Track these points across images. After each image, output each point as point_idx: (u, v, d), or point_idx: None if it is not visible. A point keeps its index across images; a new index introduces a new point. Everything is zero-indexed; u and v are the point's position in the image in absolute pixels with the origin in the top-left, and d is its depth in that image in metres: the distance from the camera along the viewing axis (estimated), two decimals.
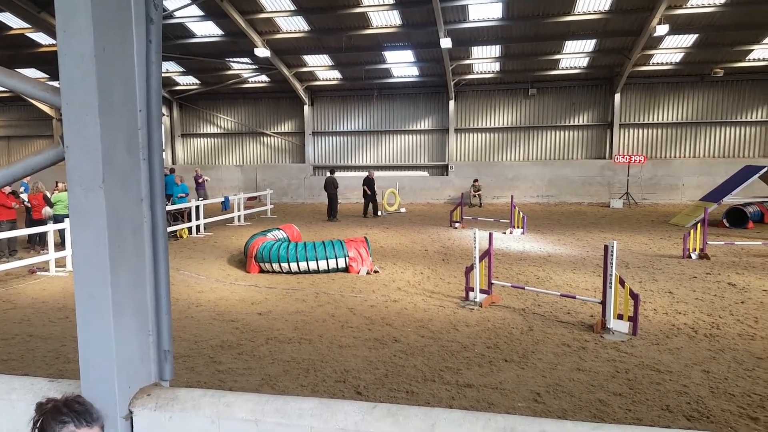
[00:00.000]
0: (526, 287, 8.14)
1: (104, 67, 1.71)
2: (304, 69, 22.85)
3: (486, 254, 7.78)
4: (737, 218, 15.37)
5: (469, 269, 7.90)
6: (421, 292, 8.63)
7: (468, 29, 18.55)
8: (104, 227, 1.73)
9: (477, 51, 20.75)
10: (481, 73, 22.63)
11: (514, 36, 19.23)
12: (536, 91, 23.05)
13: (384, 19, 18.38)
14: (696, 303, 7.90)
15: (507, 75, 22.52)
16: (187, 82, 25.39)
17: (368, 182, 18.52)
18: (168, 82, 25.31)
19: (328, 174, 18.89)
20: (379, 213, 19.28)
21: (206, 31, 19.90)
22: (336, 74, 23.41)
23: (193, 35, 20.13)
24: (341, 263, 9.96)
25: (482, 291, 7.78)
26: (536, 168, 23.21)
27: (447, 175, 24.02)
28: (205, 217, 16.00)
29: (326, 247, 10.00)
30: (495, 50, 20.61)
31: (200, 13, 18.43)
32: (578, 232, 14.93)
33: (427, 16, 17.49)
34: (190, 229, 15.14)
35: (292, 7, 17.86)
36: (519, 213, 14.98)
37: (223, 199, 17.88)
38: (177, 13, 18.19)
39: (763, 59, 20.06)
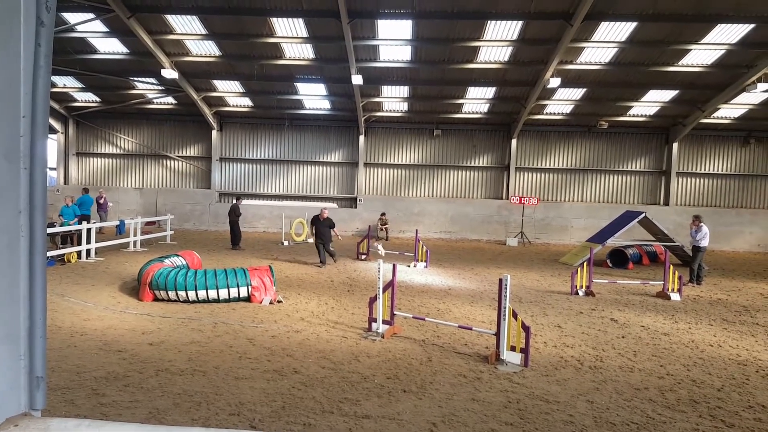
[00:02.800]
0: (426, 318, 8.33)
1: None
2: (214, 94, 22.34)
3: (389, 285, 7.89)
4: (619, 259, 16.81)
5: (373, 300, 7.96)
6: (325, 323, 8.55)
7: (378, 68, 19.16)
8: None
9: (387, 90, 21.44)
10: (391, 111, 23.36)
11: (421, 78, 20.11)
12: (441, 132, 24.13)
13: (297, 51, 18.53)
14: (582, 337, 8.46)
15: (414, 115, 23.41)
16: (86, 98, 23.87)
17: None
18: (65, 98, 23.64)
19: (234, 201, 18.45)
20: (284, 243, 19.05)
21: (110, 48, 18.92)
22: (247, 101, 23.11)
23: (95, 51, 19.05)
24: (243, 292, 9.64)
25: (385, 322, 7.86)
26: (440, 205, 24.08)
27: (355, 207, 24.25)
28: (98, 241, 14.90)
29: (228, 276, 9.64)
30: (404, 90, 21.41)
31: (104, 29, 17.54)
32: (477, 267, 15.58)
33: (340, 53, 17.89)
34: (79, 254, 14.01)
35: (203, 31, 17.53)
36: (423, 247, 15.40)
37: (118, 223, 16.77)
38: (79, 27, 17.18)
39: (642, 115, 22.45)
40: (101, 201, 19.49)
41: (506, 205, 23.41)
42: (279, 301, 9.81)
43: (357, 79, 18.36)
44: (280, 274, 12.69)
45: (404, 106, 22.99)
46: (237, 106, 23.64)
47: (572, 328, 8.95)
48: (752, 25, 15.45)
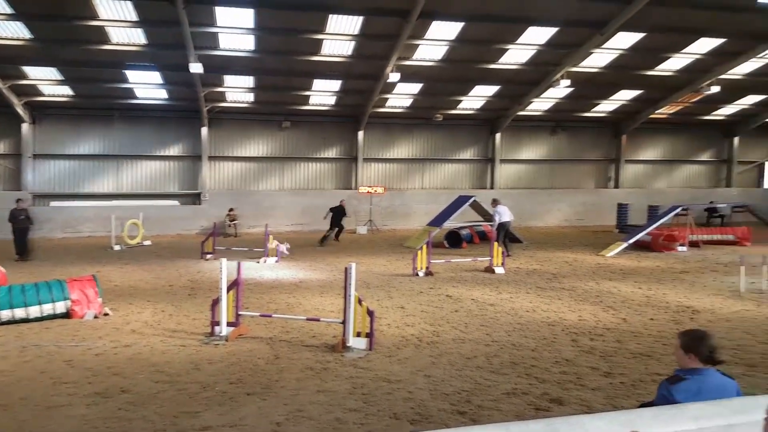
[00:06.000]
0: (274, 315, 8.32)
1: None
2: (24, 82, 19.66)
3: (234, 285, 7.74)
4: (455, 240, 18.28)
5: (216, 302, 7.73)
6: (161, 333, 8.03)
7: (220, 57, 18.39)
8: None
9: (230, 80, 20.68)
10: (236, 101, 22.59)
11: (266, 68, 19.73)
12: (290, 124, 23.96)
13: (126, 36, 17.04)
14: (422, 315, 9.11)
15: (261, 106, 22.92)
16: None
17: (337, 210, 19.43)
18: None
19: (17, 203, 15.49)
20: (115, 247, 17.51)
21: None
22: (67, 90, 20.71)
23: None
24: (60, 308, 8.58)
25: (230, 324, 7.66)
26: (291, 197, 23.97)
27: (200, 204, 23.13)
28: None
29: (40, 290, 8.47)
30: (248, 81, 20.83)
31: None
32: (328, 257, 15.86)
33: (176, 39, 16.78)
34: None
35: (8, 10, 15.30)
36: (273, 241, 15.25)
37: None
38: None
39: (470, 108, 24.44)
40: None
41: (355, 195, 24.03)
42: (106, 314, 8.95)
43: (196, 68, 17.43)
44: (108, 283, 11.59)
45: (250, 97, 22.37)
46: (55, 96, 21.06)
47: (413, 308, 9.60)
48: (557, 29, 17.60)
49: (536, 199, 25.82)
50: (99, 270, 12.99)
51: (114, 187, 22.87)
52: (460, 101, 23.57)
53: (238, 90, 21.59)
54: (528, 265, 14.55)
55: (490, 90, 22.50)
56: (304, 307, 9.67)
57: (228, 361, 6.73)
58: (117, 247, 17.58)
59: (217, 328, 7.65)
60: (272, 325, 8.31)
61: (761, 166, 29.61)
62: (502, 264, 13.39)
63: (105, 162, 22.75)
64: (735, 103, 25.20)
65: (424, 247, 13.18)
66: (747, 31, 18.20)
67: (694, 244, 17.99)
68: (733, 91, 23.17)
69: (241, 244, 17.84)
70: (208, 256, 15.48)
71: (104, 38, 17.01)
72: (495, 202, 16.10)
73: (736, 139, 28.25)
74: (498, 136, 25.80)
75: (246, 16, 16.24)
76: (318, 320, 7.97)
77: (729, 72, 20.88)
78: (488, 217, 18.71)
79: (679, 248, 17.30)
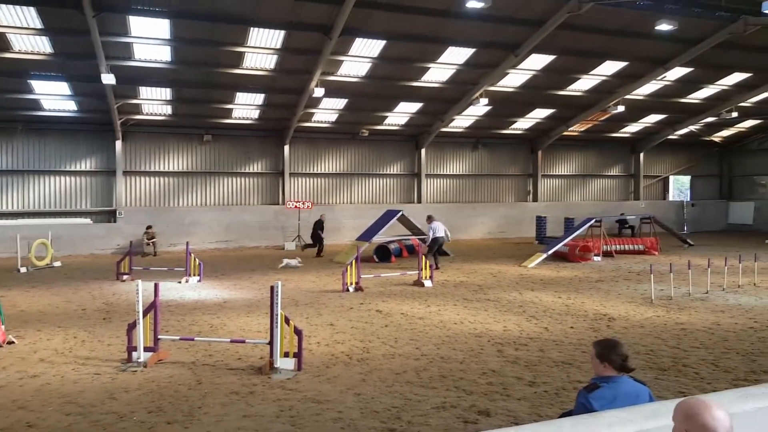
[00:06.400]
0: (196, 338, 7.96)
1: None
2: None
3: (152, 307, 7.33)
4: (384, 254, 18.38)
5: (132, 326, 7.28)
6: (73, 361, 7.46)
7: (135, 68, 17.59)
8: None
9: (146, 91, 19.81)
10: (153, 114, 21.66)
11: (185, 80, 19.10)
12: (212, 138, 23.25)
13: (29, 44, 15.94)
14: (352, 331, 9.03)
15: (181, 119, 22.12)
16: None
17: (319, 225, 20.44)
18: None
19: None
20: (20, 269, 16.22)
21: None
22: None
23: None
24: None
25: (147, 349, 7.23)
26: (214, 213, 23.20)
27: (115, 221, 21.87)
28: None
29: None
30: (166, 93, 20.05)
31: None
32: (255, 275, 15.44)
33: (85, 48, 15.85)
34: None
35: None
36: (195, 260, 14.66)
37: None
38: None
39: (395, 124, 24.82)
40: None
41: (283, 210, 23.64)
42: (10, 342, 8.19)
43: (108, 78, 16.55)
44: (13, 308, 10.66)
45: (168, 109, 21.52)
46: None
47: (343, 324, 9.50)
48: (474, 49, 18.31)
49: (461, 213, 26.54)
50: (3, 295, 11.88)
51: (19, 204, 21.16)
52: (386, 117, 23.89)
53: (154, 102, 20.72)
54: (455, 277, 14.86)
55: (414, 107, 22.98)
56: (228, 328, 9.32)
57: (146, 389, 6.33)
58: (23, 270, 16.24)
59: (134, 354, 7.21)
60: (194, 349, 7.92)
61: (665, 180, 32.10)
62: (431, 277, 13.59)
63: (8, 177, 21.02)
64: (639, 121, 27.24)
65: (354, 262, 13.14)
66: (646, 56, 19.78)
67: (608, 254, 19.13)
68: (637, 110, 25.05)
69: (160, 264, 17.01)
70: (125, 277, 14.61)
71: (4, 45, 15.83)
72: (430, 219, 16.73)
73: (641, 155, 30.49)
74: (423, 151, 26.35)
75: (162, 27, 15.69)
76: (243, 341, 7.70)
77: (632, 93, 22.56)
78: (416, 231, 19.01)
79: (595, 258, 18.33)
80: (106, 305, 11.36)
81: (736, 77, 22.57)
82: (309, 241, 21.48)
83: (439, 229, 16.33)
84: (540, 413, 5.58)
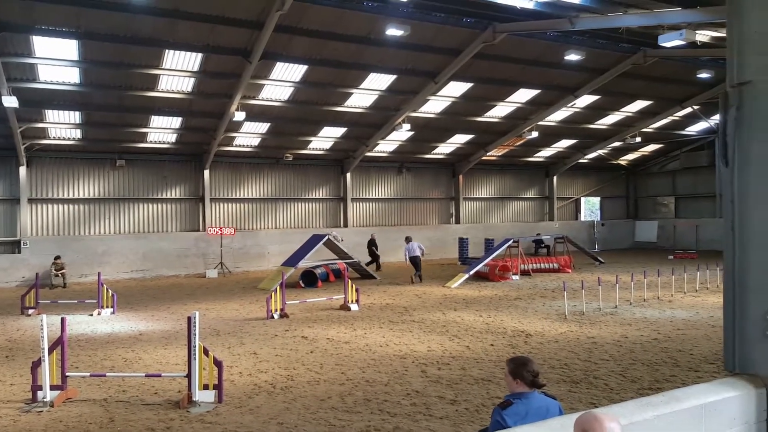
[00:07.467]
0: (108, 374, 7.52)
1: None
2: None
3: (59, 342, 6.86)
4: (310, 279, 18.20)
5: (37, 364, 6.78)
6: None
7: (40, 90, 16.63)
8: None
9: (53, 115, 18.70)
10: (60, 138, 20.45)
11: (95, 103, 18.25)
12: (125, 163, 22.21)
13: None
14: (276, 359, 8.86)
15: (91, 143, 21.01)
16: None
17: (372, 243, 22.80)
18: None
19: None
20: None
21: None
22: None
23: None
24: None
25: (54, 387, 6.75)
26: (129, 241, 22.06)
27: (20, 252, 20.26)
28: None
29: None
30: (75, 116, 19.03)
31: None
32: (173, 305, 14.79)
33: None
34: None
35: None
36: (108, 291, 13.86)
37: None
38: None
39: (320, 149, 24.87)
40: None
41: (203, 237, 22.87)
42: None
43: (10, 101, 15.51)
44: None
45: (77, 134, 20.40)
46: None
47: (267, 353, 9.31)
48: (395, 76, 18.86)
49: (387, 236, 26.76)
50: None
51: None
52: (310, 141, 23.90)
53: (62, 126, 19.59)
54: (381, 300, 14.97)
55: (338, 131, 23.16)
56: (144, 361, 8.87)
57: (53, 430, 5.91)
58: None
59: (39, 393, 6.71)
60: (107, 385, 7.47)
61: (577, 201, 34.13)
62: (357, 300, 13.62)
63: None
64: (552, 146, 28.93)
65: (279, 288, 12.94)
66: (557, 84, 21.21)
67: (525, 273, 20.01)
68: (550, 135, 26.65)
69: (70, 296, 15.95)
70: (30, 311, 13.55)
71: None
72: (408, 240, 19.37)
73: (555, 178, 32.32)
74: (348, 175, 26.51)
75: (69, 47, 15.01)
76: (160, 375, 7.36)
77: (545, 119, 24.01)
78: (343, 255, 19.01)
79: (513, 277, 19.11)
80: (9, 342, 10.50)
81: (639, 104, 24.69)
82: (369, 258, 22.62)
83: (416, 249, 18.69)
84: (460, 431, 5.72)
